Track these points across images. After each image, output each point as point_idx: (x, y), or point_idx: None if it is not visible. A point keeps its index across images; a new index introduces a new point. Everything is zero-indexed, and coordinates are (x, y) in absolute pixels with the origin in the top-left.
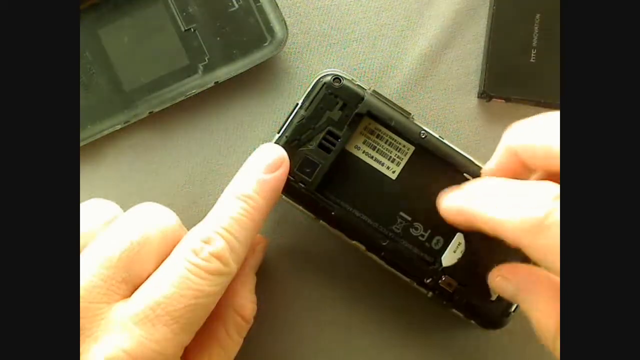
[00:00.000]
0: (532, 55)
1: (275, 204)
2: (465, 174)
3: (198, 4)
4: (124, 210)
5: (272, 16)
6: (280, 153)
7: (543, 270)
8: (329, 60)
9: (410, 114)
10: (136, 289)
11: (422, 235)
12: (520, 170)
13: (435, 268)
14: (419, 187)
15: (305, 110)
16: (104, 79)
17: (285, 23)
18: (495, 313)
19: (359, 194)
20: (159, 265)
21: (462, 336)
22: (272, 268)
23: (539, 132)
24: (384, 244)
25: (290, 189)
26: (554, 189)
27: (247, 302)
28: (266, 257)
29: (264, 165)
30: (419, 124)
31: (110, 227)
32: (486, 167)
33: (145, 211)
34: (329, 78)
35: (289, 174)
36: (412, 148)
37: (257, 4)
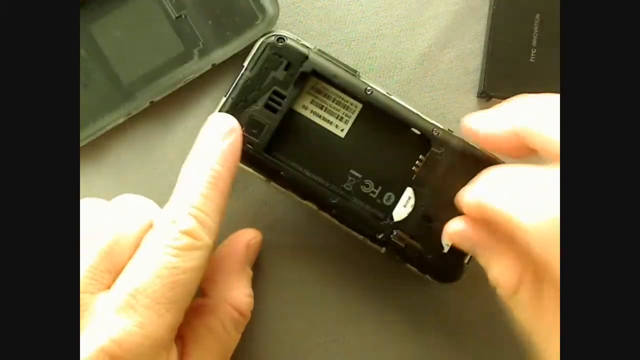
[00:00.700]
0: (532, 55)
1: (236, 169)
2: (413, 129)
3: None
4: None
5: None
6: (229, 119)
7: (501, 225)
8: None
9: (357, 71)
10: None
11: (374, 192)
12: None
13: (386, 223)
14: (369, 144)
15: (250, 72)
16: (101, 75)
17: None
18: (448, 266)
19: (309, 154)
20: None
21: (418, 291)
22: (267, 263)
23: (540, 120)
24: (334, 201)
25: None
26: None
27: (243, 296)
28: (260, 253)
29: (215, 134)
30: (365, 80)
31: (94, 219)
32: (485, 131)
33: (127, 203)
34: (272, 38)
35: None
36: (360, 106)
37: None
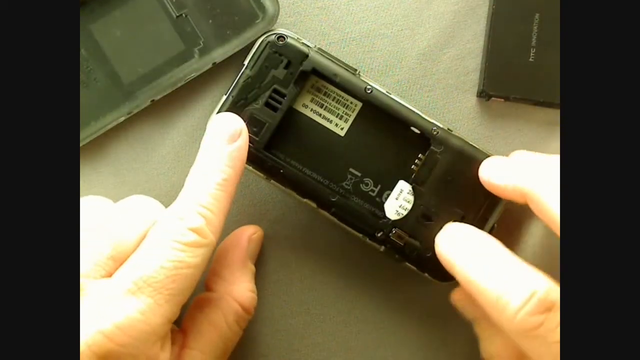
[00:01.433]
0: (532, 54)
1: (243, 170)
2: (413, 128)
3: None
4: None
5: None
6: (238, 122)
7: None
8: None
9: (356, 70)
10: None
11: (373, 191)
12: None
13: (385, 222)
14: (368, 143)
15: (250, 70)
16: (102, 75)
17: None
18: None
19: (308, 152)
20: None
21: (417, 290)
22: (266, 262)
23: (540, 187)
24: (334, 199)
25: None
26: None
27: (246, 292)
28: (261, 251)
29: (225, 137)
30: (365, 79)
31: (99, 214)
32: (493, 183)
33: (134, 200)
34: (273, 37)
35: None
36: (360, 104)
37: None
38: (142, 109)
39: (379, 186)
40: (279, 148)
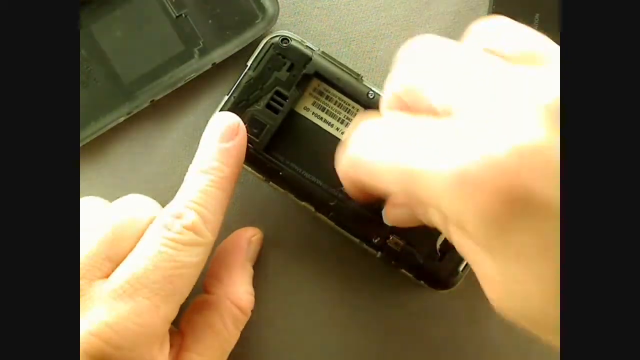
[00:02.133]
0: None
1: (240, 169)
2: None
3: None
4: None
5: None
6: (235, 120)
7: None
8: None
9: (360, 75)
10: None
11: None
12: None
13: (382, 227)
14: None
15: (253, 71)
16: (102, 75)
17: None
18: (443, 273)
19: (308, 155)
20: None
21: (413, 298)
22: (264, 264)
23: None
24: (332, 204)
25: None
26: None
27: (244, 294)
28: (259, 253)
29: (221, 135)
30: (368, 84)
31: (96, 213)
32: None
33: (131, 200)
34: (277, 39)
35: None
36: (362, 109)
37: None
38: (142, 109)
39: None
40: (279, 150)
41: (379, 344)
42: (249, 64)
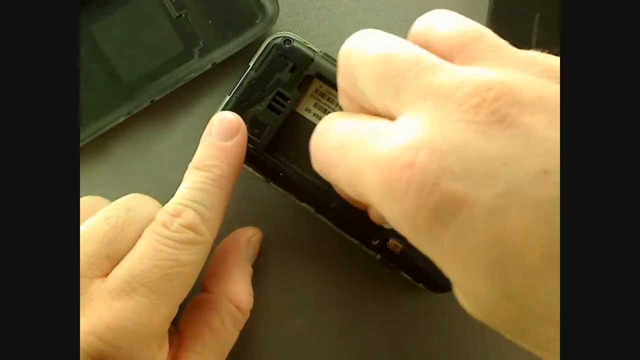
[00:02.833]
0: None
1: (240, 169)
2: None
3: None
4: None
5: None
6: (235, 119)
7: None
8: None
9: None
10: None
11: None
12: None
13: (381, 230)
14: None
15: (255, 72)
16: (102, 75)
17: None
18: (442, 276)
19: (309, 156)
20: None
21: (412, 300)
22: (264, 264)
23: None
24: (332, 205)
25: None
26: None
27: (243, 293)
28: (258, 254)
29: (221, 133)
30: None
31: (97, 212)
32: None
33: (131, 199)
34: (279, 40)
35: None
36: None
37: None
38: (142, 109)
39: None
40: (279, 151)
41: (377, 345)
42: (251, 64)
